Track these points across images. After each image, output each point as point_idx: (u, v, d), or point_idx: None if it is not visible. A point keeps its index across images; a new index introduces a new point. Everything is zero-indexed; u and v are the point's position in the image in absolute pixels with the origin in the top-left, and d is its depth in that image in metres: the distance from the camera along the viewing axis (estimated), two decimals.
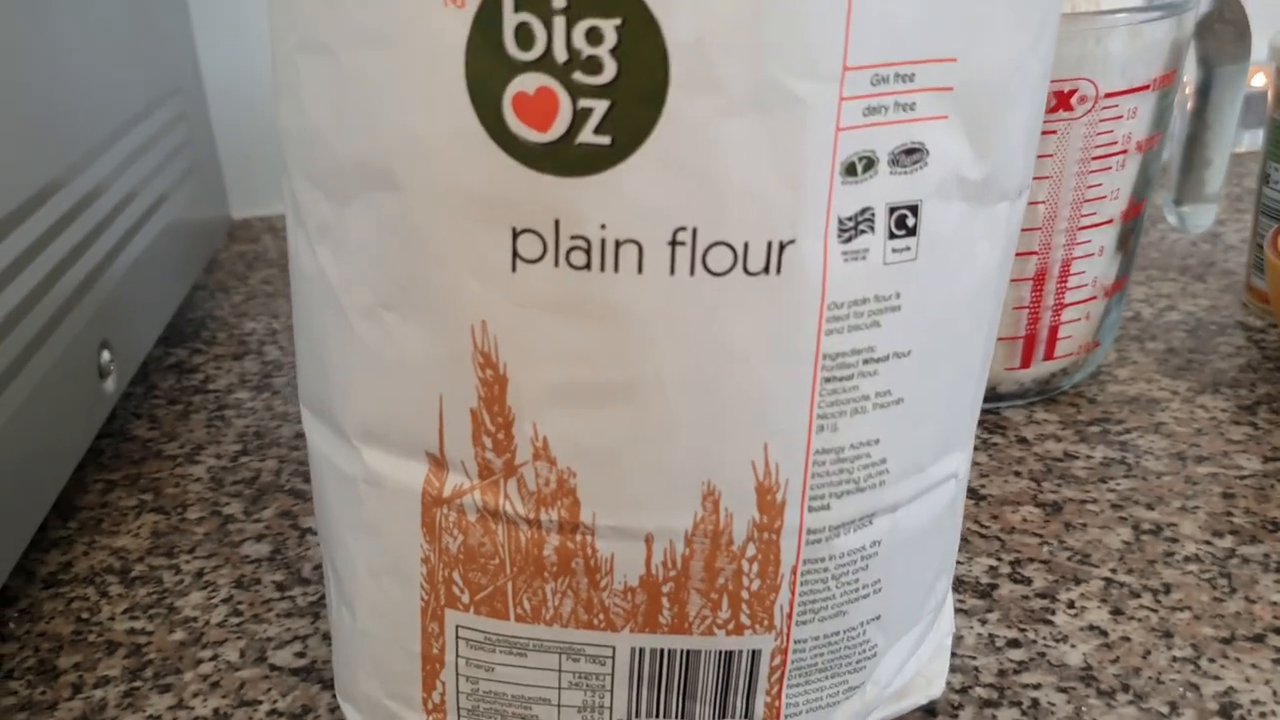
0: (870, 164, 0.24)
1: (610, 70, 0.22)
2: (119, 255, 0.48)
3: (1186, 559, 0.39)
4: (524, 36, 0.22)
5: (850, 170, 0.24)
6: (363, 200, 0.25)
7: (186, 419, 0.52)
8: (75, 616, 0.39)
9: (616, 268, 0.24)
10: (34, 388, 0.38)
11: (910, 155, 0.24)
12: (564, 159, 0.23)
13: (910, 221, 0.25)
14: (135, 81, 0.52)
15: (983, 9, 0.24)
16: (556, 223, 0.24)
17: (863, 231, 0.24)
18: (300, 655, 0.37)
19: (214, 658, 0.37)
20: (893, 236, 0.25)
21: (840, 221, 0.24)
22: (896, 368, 0.26)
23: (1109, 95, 0.41)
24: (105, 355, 0.45)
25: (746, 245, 0.24)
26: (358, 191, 0.25)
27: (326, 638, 0.37)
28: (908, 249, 0.25)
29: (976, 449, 0.46)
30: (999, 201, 0.26)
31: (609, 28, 0.22)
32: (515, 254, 0.24)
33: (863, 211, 0.24)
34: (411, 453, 0.27)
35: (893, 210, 0.25)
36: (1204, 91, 0.48)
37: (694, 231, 0.24)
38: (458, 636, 0.29)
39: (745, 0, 0.22)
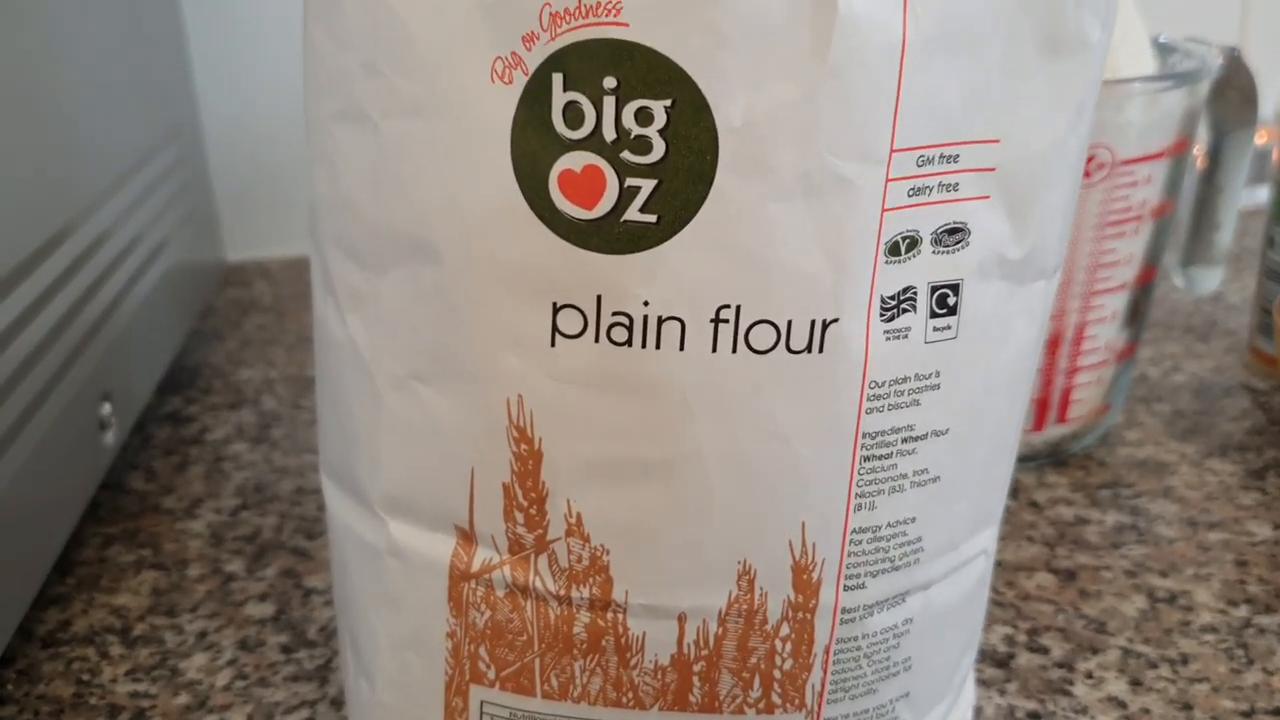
0: (914, 244, 0.24)
1: (659, 150, 0.22)
2: (120, 305, 0.47)
3: (1203, 629, 0.39)
4: (573, 115, 0.22)
5: (894, 250, 0.24)
6: (398, 271, 0.25)
7: (184, 471, 0.51)
8: (75, 678, 0.38)
9: (658, 344, 0.24)
10: (36, 444, 0.38)
11: (953, 235, 0.24)
12: (609, 236, 0.23)
13: (951, 300, 0.25)
14: (137, 127, 0.52)
15: (1026, 90, 0.24)
16: (599, 299, 0.24)
17: (905, 310, 0.24)
18: None
19: None
20: (934, 315, 0.25)
21: (883, 300, 0.24)
22: (935, 446, 0.26)
23: (1125, 162, 0.41)
24: (106, 408, 0.45)
25: (790, 324, 0.24)
26: (393, 262, 0.25)
27: (334, 703, 0.37)
28: (948, 328, 0.25)
29: None
30: (1037, 280, 0.26)
31: (659, 109, 0.22)
32: (555, 329, 0.24)
33: (905, 290, 0.24)
34: (440, 525, 0.27)
35: (934, 289, 0.24)
36: (1214, 155, 0.48)
37: (737, 309, 0.23)
38: (482, 713, 0.28)
39: (797, 85, 0.22)
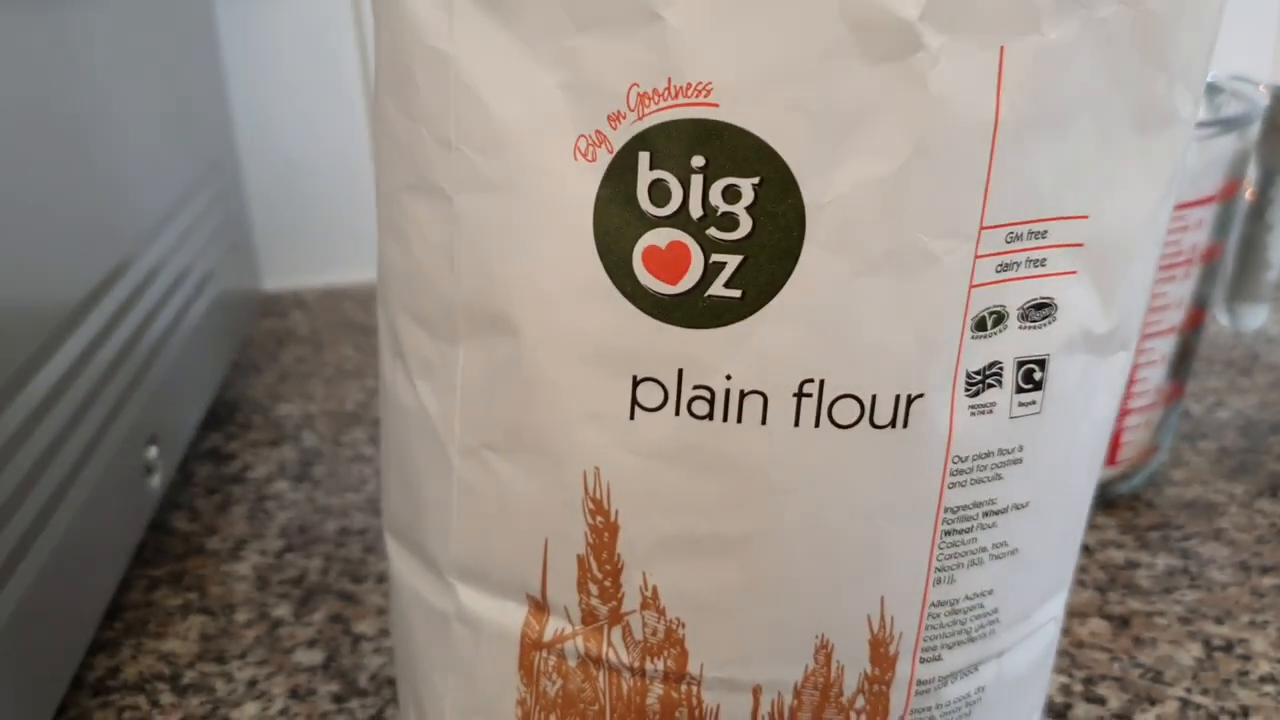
0: (1000, 319, 0.24)
1: (746, 226, 0.22)
2: (167, 342, 0.47)
3: (1261, 679, 0.39)
4: (659, 193, 0.22)
5: (980, 325, 0.23)
6: (473, 342, 0.25)
7: (227, 511, 0.51)
8: None
9: (740, 418, 0.23)
10: (85, 498, 0.37)
11: (1040, 310, 0.24)
12: (692, 311, 0.23)
13: (1037, 376, 0.24)
14: (179, 164, 0.52)
15: (1117, 166, 0.23)
16: (680, 372, 0.23)
17: (990, 386, 0.24)
18: None
19: None
20: (1020, 391, 0.24)
21: (969, 376, 0.24)
22: (1014, 519, 0.26)
23: (1177, 208, 0.41)
24: (153, 451, 0.44)
25: (874, 398, 0.23)
26: (467, 333, 0.25)
27: None
28: (1034, 403, 0.25)
29: None
30: (1119, 351, 0.26)
31: (747, 186, 0.22)
32: (635, 402, 0.24)
33: (991, 366, 0.24)
34: (511, 594, 0.26)
35: (1021, 365, 0.24)
36: (1263, 193, 0.48)
37: (821, 383, 0.23)
38: None
39: (886, 162, 0.21)
